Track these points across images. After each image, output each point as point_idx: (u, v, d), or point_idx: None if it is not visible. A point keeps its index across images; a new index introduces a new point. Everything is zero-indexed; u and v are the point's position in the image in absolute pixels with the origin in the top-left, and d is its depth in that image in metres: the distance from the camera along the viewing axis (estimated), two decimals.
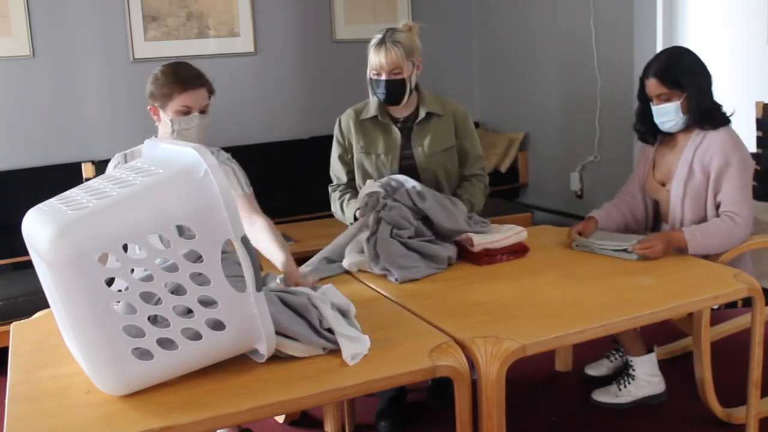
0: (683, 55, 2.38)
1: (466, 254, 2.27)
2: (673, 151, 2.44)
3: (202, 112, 2.14)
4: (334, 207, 2.60)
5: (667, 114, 2.34)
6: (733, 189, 2.29)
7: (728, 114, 2.36)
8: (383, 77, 2.41)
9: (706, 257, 2.27)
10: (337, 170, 2.64)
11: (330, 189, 2.65)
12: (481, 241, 2.23)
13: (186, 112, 2.11)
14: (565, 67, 4.61)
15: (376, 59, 2.40)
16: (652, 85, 2.35)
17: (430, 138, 2.52)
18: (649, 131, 2.49)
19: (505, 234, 2.27)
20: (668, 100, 2.33)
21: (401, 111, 2.53)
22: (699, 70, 2.34)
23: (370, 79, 2.47)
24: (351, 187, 2.62)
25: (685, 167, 2.37)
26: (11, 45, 3.98)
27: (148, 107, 2.18)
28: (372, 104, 2.55)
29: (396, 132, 2.52)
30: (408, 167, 2.52)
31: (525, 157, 4.96)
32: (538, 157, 4.94)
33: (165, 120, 2.13)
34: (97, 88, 4.24)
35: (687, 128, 2.38)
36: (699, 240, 2.25)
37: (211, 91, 2.17)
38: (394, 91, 2.43)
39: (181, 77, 2.10)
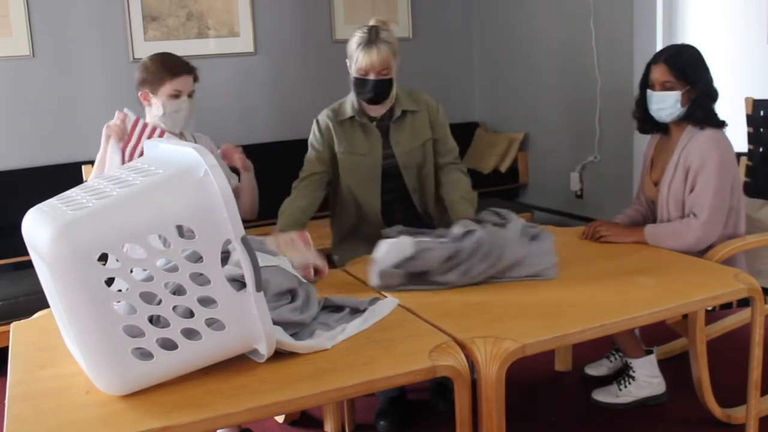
0: (693, 51, 2.40)
1: None
2: (667, 151, 2.45)
3: (190, 96, 2.35)
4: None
5: (666, 101, 2.34)
6: (701, 190, 2.29)
7: (722, 119, 2.37)
8: (371, 77, 2.37)
9: (701, 255, 2.27)
10: (309, 165, 2.53)
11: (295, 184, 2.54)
12: None
13: (176, 96, 2.32)
14: (565, 68, 4.61)
15: (366, 59, 2.35)
16: (660, 71, 2.35)
17: (407, 135, 2.51)
18: (645, 120, 2.49)
19: None
20: (671, 88, 2.34)
21: (378, 110, 2.50)
22: (705, 69, 2.37)
23: (356, 78, 2.40)
24: (312, 181, 2.51)
25: (672, 167, 2.38)
26: (11, 45, 3.98)
27: (139, 93, 2.37)
28: (348, 104, 2.51)
29: (376, 131, 2.50)
30: (390, 166, 2.51)
31: (525, 157, 4.96)
32: (538, 157, 4.94)
33: (156, 104, 2.34)
34: (97, 89, 4.23)
35: (681, 126, 2.39)
36: (656, 236, 2.32)
37: (196, 78, 2.38)
38: (382, 91, 2.40)
39: (171, 65, 2.32)
